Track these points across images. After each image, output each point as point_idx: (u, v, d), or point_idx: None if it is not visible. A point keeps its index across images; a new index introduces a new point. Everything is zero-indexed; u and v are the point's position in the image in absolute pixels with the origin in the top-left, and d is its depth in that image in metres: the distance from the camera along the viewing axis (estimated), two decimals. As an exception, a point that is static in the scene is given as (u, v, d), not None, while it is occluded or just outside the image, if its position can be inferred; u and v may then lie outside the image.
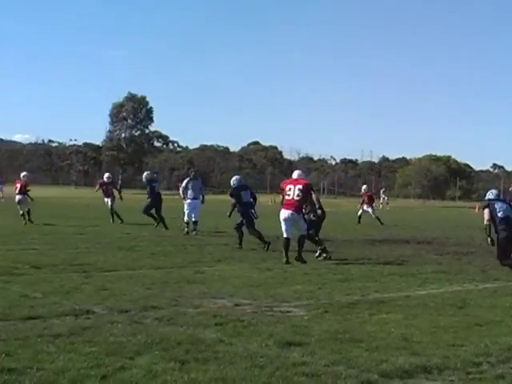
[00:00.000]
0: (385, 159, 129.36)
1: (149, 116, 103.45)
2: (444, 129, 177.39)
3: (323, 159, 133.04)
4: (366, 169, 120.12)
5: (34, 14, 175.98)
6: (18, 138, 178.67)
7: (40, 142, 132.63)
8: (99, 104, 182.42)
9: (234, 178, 20.19)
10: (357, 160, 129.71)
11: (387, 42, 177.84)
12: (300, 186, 15.93)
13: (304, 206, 16.38)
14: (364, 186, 36.36)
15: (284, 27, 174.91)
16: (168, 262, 14.95)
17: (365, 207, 34.10)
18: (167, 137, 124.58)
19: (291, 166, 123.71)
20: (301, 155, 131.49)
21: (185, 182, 24.16)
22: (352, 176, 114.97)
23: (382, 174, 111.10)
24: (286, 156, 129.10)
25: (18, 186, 26.03)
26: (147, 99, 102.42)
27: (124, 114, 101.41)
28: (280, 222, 16.12)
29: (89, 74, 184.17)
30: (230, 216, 19.66)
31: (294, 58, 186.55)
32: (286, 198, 15.91)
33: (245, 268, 14.54)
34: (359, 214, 33.93)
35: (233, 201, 19.45)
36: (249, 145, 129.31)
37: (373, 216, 33.47)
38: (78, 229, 20.03)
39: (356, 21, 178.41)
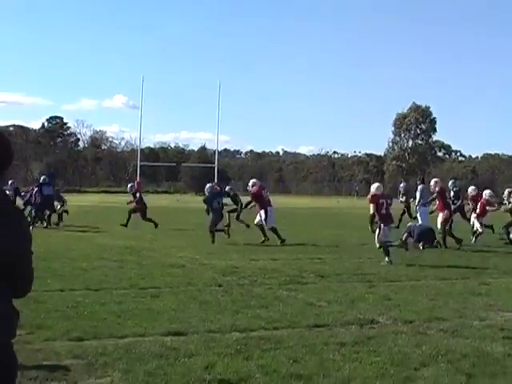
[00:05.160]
0: None
1: (432, 126, 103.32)
2: None
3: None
4: None
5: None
6: (302, 149, 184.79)
7: (323, 153, 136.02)
8: (381, 115, 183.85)
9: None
10: None
11: None
12: None
13: None
14: None
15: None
16: (451, 273, 14.70)
17: None
18: (450, 146, 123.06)
19: None
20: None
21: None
22: None
23: None
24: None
25: None
26: (431, 109, 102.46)
27: (408, 124, 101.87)
28: None
29: (370, 87, 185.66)
30: None
31: None
32: None
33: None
34: None
35: None
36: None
37: None
38: (361, 239, 20.25)
39: None
